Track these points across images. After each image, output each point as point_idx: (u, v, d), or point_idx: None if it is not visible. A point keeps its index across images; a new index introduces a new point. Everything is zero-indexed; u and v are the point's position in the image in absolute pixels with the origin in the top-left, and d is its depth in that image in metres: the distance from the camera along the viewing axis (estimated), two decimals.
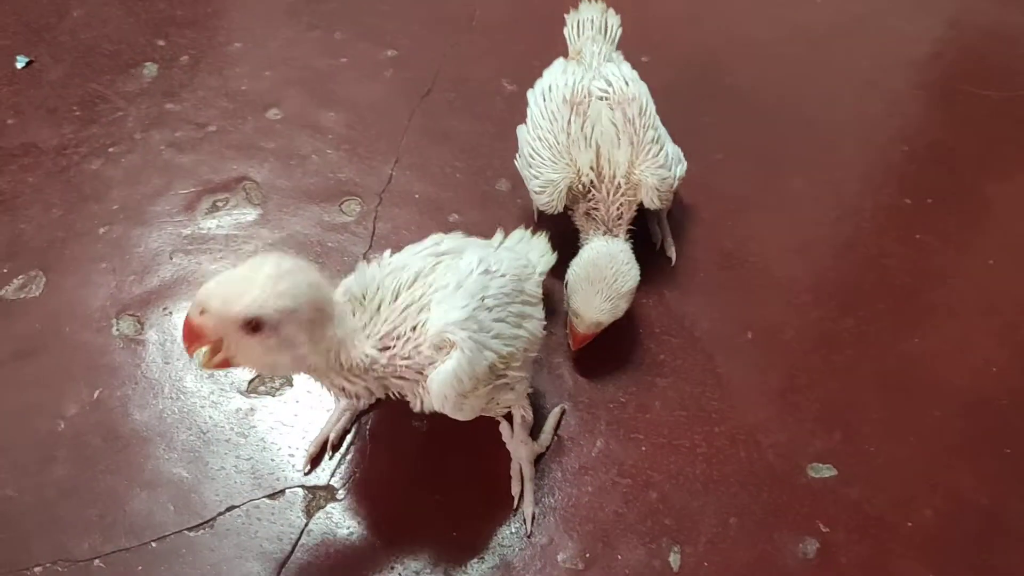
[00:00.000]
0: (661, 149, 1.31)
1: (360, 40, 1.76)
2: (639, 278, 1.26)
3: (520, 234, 1.29)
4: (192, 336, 0.89)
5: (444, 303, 0.99)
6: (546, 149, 1.32)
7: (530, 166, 1.34)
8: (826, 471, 1.21)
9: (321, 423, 1.22)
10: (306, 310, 0.89)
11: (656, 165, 1.29)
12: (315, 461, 1.19)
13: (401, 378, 1.00)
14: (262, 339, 0.88)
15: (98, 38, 1.73)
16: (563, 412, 1.24)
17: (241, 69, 1.69)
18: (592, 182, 1.29)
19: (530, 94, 1.40)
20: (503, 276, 1.06)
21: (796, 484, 1.19)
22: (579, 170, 1.29)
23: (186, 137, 1.57)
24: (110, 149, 1.54)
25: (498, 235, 1.26)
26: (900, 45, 1.83)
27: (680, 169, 1.38)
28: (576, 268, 1.25)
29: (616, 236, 1.30)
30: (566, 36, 1.47)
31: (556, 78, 1.38)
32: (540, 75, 1.42)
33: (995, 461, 1.23)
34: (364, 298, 1.02)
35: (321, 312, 0.92)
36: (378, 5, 1.83)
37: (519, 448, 1.18)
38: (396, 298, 1.02)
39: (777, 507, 1.17)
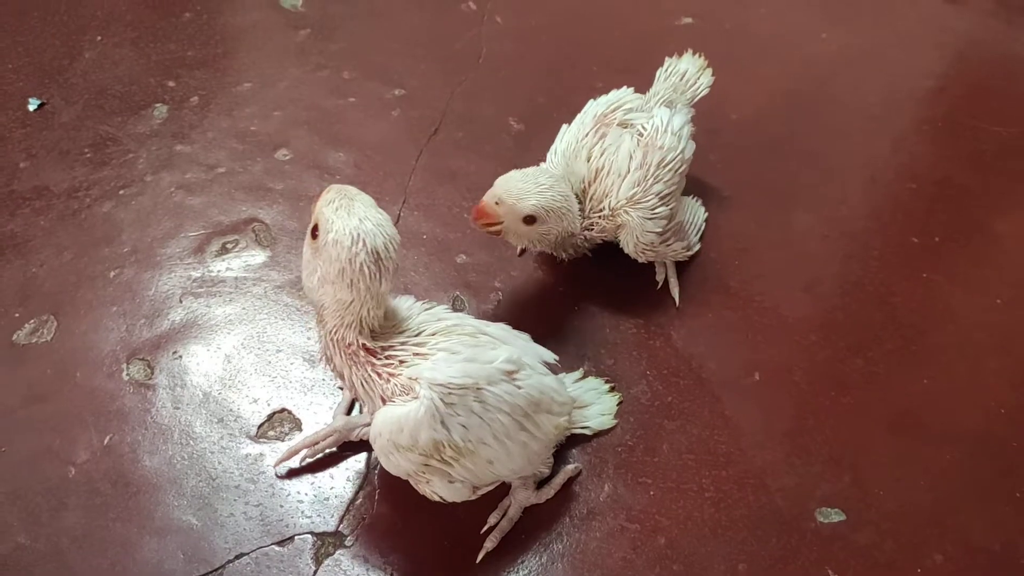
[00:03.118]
0: (662, 207, 1.33)
1: (368, 80, 1.77)
2: (558, 211, 1.28)
3: (596, 383, 1.32)
4: None
5: (440, 363, 1.01)
6: (562, 147, 1.40)
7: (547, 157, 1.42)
8: (835, 515, 1.20)
9: (328, 469, 1.23)
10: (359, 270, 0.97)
11: (646, 217, 1.31)
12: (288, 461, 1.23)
13: (365, 390, 1.04)
14: (310, 242, 1.00)
15: (109, 80, 1.75)
16: (578, 473, 1.23)
17: (250, 109, 1.71)
18: (577, 196, 1.34)
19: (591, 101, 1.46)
20: (519, 388, 1.05)
21: (805, 529, 1.19)
22: (570, 178, 1.35)
23: (196, 179, 1.59)
24: (121, 191, 1.56)
25: (576, 373, 1.32)
26: (906, 80, 1.83)
27: (680, 247, 1.41)
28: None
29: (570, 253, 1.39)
30: (656, 75, 1.51)
31: (612, 98, 1.43)
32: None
33: (1006, 505, 1.22)
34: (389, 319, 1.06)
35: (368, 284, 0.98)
36: (386, 44, 1.85)
37: (519, 490, 1.18)
38: (414, 335, 1.05)
39: (786, 553, 1.17)
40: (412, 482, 1.08)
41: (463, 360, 1.02)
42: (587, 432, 1.26)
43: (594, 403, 1.29)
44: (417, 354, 1.03)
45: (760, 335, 1.40)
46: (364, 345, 1.02)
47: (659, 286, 1.44)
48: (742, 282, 1.47)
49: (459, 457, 1.03)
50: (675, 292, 1.43)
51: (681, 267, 1.46)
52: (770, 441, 1.28)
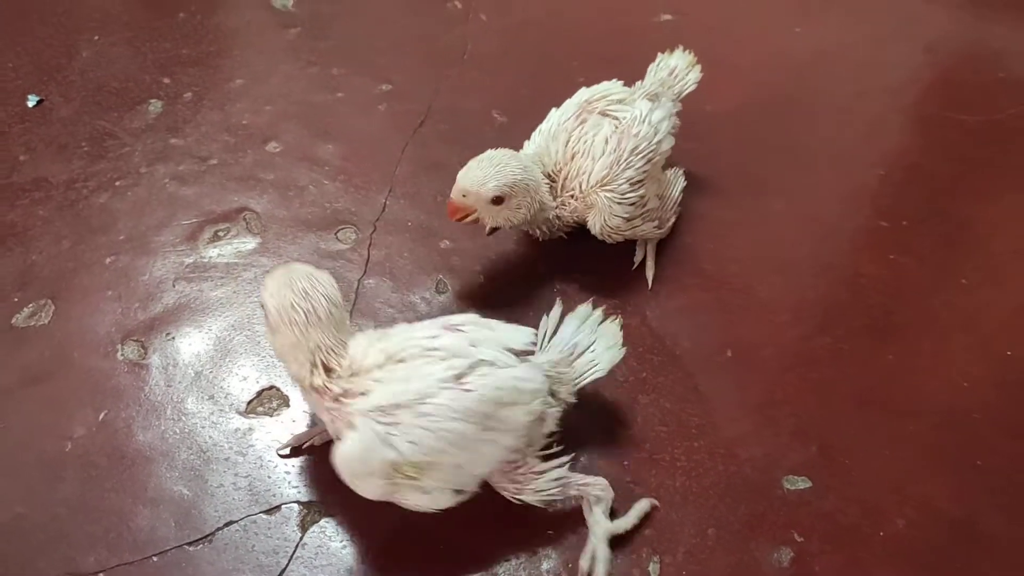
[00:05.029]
0: (632, 193, 1.37)
1: (356, 75, 1.83)
2: (522, 183, 1.32)
3: (584, 312, 1.28)
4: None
5: (372, 394, 1.05)
6: (546, 127, 1.45)
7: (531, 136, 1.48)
8: (801, 483, 1.25)
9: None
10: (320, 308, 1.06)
11: (616, 200, 1.36)
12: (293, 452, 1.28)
13: (332, 429, 1.10)
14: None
15: (106, 77, 1.81)
16: (653, 508, 1.22)
17: (242, 104, 1.77)
18: (549, 174, 1.40)
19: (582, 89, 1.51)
20: (468, 392, 1.05)
21: (772, 496, 1.24)
22: (545, 158, 1.41)
23: (189, 170, 1.64)
24: (117, 183, 1.61)
25: (556, 310, 1.29)
26: (878, 71, 1.89)
27: (650, 227, 1.45)
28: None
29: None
30: (648, 69, 1.57)
31: (601, 88, 1.48)
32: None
33: (967, 473, 1.27)
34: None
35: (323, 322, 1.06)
36: (374, 41, 1.91)
37: (594, 525, 1.17)
38: (363, 374, 1.07)
39: (753, 518, 1.22)
40: (396, 503, 1.10)
41: (395, 381, 1.05)
42: (600, 375, 1.24)
43: (596, 340, 1.26)
44: (362, 392, 1.05)
45: (733, 315, 1.45)
46: (314, 385, 1.07)
47: (635, 266, 1.49)
48: (717, 265, 1.52)
49: (421, 471, 1.05)
50: (650, 275, 1.48)
51: (658, 250, 1.51)
52: (741, 414, 1.33)
